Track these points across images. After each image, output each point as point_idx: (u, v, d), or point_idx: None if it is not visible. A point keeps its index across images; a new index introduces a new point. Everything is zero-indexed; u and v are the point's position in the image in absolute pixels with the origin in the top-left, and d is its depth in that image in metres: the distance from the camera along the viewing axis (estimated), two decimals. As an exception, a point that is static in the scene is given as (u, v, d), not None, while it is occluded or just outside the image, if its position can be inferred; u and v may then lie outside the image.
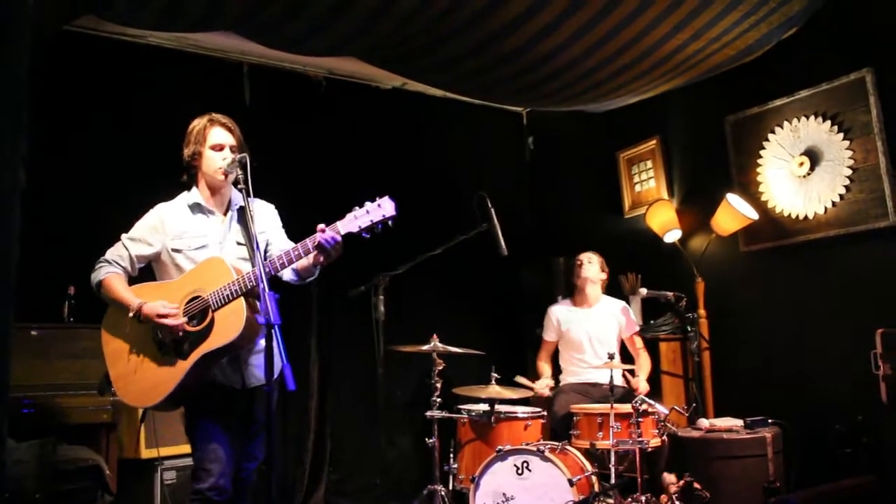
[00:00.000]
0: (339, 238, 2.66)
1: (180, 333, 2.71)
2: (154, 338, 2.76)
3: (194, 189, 2.98)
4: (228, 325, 2.66)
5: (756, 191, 4.58)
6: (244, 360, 2.83)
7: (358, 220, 2.65)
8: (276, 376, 2.41)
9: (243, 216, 2.92)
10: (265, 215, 3.06)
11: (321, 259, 2.72)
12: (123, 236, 2.92)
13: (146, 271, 2.98)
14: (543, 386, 4.64)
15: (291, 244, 2.90)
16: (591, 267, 4.75)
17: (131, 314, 2.74)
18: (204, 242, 2.88)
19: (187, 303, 2.75)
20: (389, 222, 2.65)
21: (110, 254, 2.90)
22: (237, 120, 3.02)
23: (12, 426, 3.35)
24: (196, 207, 2.94)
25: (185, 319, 2.72)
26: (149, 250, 2.90)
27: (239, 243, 2.93)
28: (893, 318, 3.65)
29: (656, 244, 5.04)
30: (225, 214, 2.98)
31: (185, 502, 3.33)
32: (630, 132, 5.44)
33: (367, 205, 2.66)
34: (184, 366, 2.69)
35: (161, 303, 2.73)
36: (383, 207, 2.64)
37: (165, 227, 2.90)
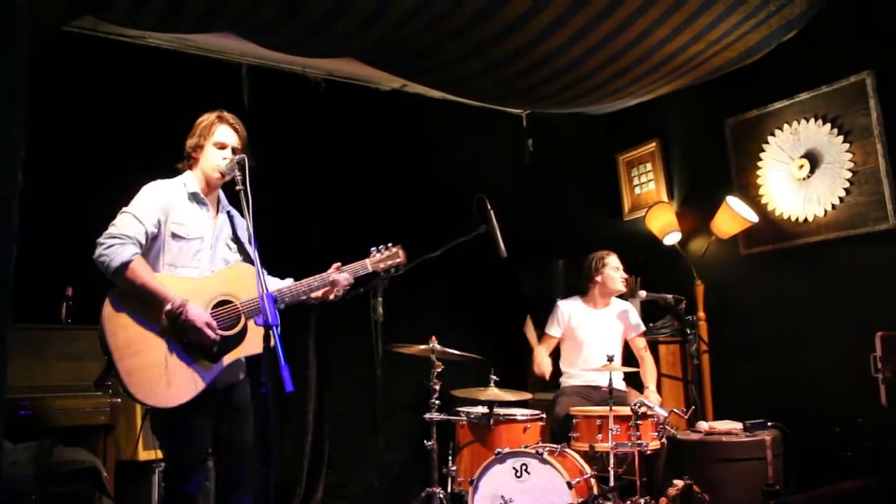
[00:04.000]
0: (352, 280, 3.13)
1: (213, 345, 2.72)
2: (181, 337, 2.68)
3: (189, 175, 2.96)
4: (259, 337, 2.57)
5: (756, 193, 4.58)
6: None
7: (380, 262, 3.23)
8: (265, 377, 2.42)
9: (231, 221, 3.02)
10: (243, 229, 3.04)
11: (331, 297, 3.09)
12: (131, 210, 2.75)
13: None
14: (545, 364, 4.59)
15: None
16: (622, 277, 4.69)
17: (169, 308, 2.62)
18: (200, 234, 2.89)
19: (215, 306, 2.77)
20: (400, 268, 3.32)
21: (128, 229, 2.68)
22: (236, 122, 3.03)
23: (9, 428, 3.33)
24: (193, 196, 2.92)
25: (220, 336, 2.73)
26: (156, 228, 2.78)
27: (228, 246, 2.98)
28: (893, 321, 3.66)
29: (656, 247, 5.03)
30: (216, 213, 3.01)
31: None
32: (630, 134, 5.44)
33: (384, 250, 3.25)
34: (216, 368, 2.73)
35: (205, 312, 2.71)
36: (398, 255, 3.27)
37: (168, 207, 2.82)
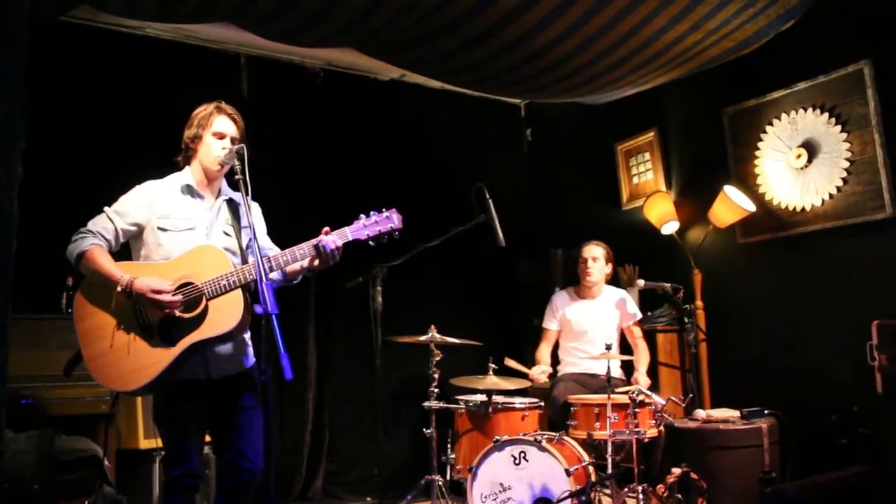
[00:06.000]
0: (339, 244, 2.75)
1: (176, 313, 2.63)
2: (138, 320, 2.67)
3: (187, 170, 2.94)
4: (225, 315, 2.62)
5: (753, 183, 4.59)
6: (210, 352, 2.76)
7: (367, 228, 2.79)
8: (264, 366, 2.38)
9: (232, 207, 2.93)
10: (251, 212, 2.95)
11: (316, 263, 2.78)
12: (108, 209, 2.81)
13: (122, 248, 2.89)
14: (539, 372, 4.63)
15: (270, 243, 3.00)
16: (596, 268, 4.71)
17: (120, 289, 2.62)
18: (191, 225, 2.84)
19: (177, 288, 2.67)
20: (396, 234, 2.82)
21: (94, 225, 2.77)
22: (234, 111, 3.01)
23: (11, 417, 3.36)
24: (187, 189, 2.89)
25: (180, 297, 2.64)
26: (134, 226, 2.81)
27: (226, 233, 2.90)
28: (889, 310, 3.67)
29: (654, 236, 5.04)
30: (214, 202, 2.95)
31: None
32: (628, 124, 5.44)
33: (375, 214, 2.81)
34: (172, 352, 2.62)
35: (154, 278, 2.65)
36: (391, 220, 2.81)
37: (153, 204, 2.82)
